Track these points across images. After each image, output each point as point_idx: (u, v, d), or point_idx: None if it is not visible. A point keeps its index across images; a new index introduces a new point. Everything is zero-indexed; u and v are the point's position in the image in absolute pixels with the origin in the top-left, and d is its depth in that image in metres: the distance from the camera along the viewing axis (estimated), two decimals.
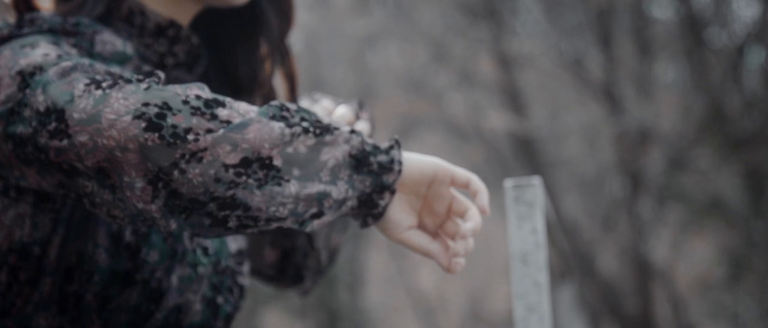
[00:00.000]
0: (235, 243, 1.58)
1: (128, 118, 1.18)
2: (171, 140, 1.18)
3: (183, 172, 1.18)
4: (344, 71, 10.20)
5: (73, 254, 1.40)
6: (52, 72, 1.27)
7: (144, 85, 1.22)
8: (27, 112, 1.27)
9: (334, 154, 1.25)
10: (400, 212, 1.32)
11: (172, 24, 1.51)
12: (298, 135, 1.23)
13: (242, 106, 1.23)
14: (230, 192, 1.19)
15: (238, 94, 1.61)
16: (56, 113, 1.23)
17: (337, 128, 1.26)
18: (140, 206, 1.20)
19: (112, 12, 1.49)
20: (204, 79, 1.59)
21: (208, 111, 1.20)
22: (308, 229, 1.26)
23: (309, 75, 9.30)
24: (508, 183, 1.52)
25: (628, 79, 7.72)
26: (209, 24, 1.61)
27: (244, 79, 1.60)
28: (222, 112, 1.20)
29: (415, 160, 1.32)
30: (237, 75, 1.60)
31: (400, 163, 1.29)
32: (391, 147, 1.29)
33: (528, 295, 1.49)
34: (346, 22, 9.54)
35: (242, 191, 1.20)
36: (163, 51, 1.51)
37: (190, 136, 1.18)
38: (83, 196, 1.26)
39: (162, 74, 1.28)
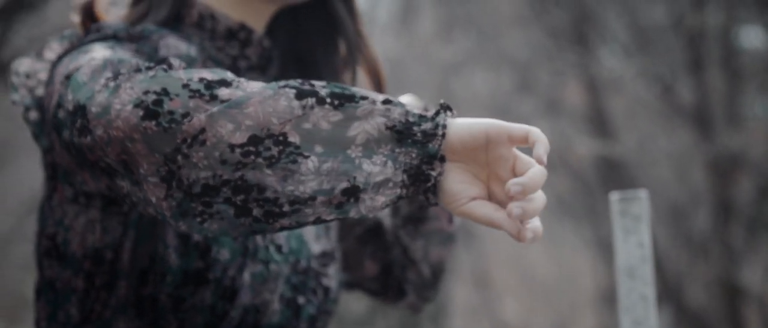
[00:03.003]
0: (318, 244, 1.56)
1: (130, 107, 1.16)
2: (167, 125, 1.14)
3: (187, 157, 1.14)
4: (429, 98, 10.20)
5: (145, 256, 1.40)
6: (81, 72, 1.27)
7: (151, 73, 1.19)
8: (62, 114, 1.27)
9: (364, 128, 1.15)
10: (458, 182, 1.19)
11: (243, 27, 1.51)
12: (312, 107, 1.15)
13: (252, 84, 1.17)
14: (238, 173, 1.13)
15: None
16: (80, 110, 1.22)
17: (365, 98, 1.16)
18: (154, 201, 1.18)
19: (182, 18, 1.50)
20: (280, 80, 1.57)
21: (208, 92, 1.15)
22: (354, 214, 1.16)
23: None
24: (614, 196, 1.49)
25: (719, 105, 7.63)
26: (287, 26, 1.60)
27: (326, 78, 1.59)
28: (223, 92, 1.15)
29: (464, 124, 1.18)
30: (319, 75, 1.58)
31: (444, 126, 1.17)
32: (437, 113, 1.18)
33: (635, 309, 1.47)
34: (431, 49, 9.56)
35: (251, 171, 1.13)
36: (235, 54, 1.51)
37: (186, 119, 1.14)
38: (125, 197, 1.24)
39: (176, 61, 1.24)
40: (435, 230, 1.69)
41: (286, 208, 1.15)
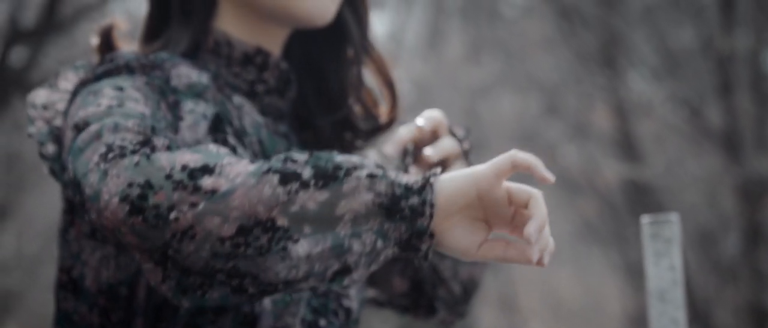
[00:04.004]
0: None
1: (116, 200, 1.18)
2: (154, 222, 1.16)
3: (178, 250, 1.16)
4: (456, 121, 10.19)
5: (160, 293, 1.39)
6: (80, 139, 1.27)
7: (135, 159, 1.20)
8: (66, 177, 1.29)
9: (351, 206, 1.16)
10: (462, 237, 1.19)
11: (260, 51, 1.50)
12: (297, 192, 1.16)
13: (235, 169, 1.17)
14: (230, 264, 1.16)
15: (331, 109, 1.58)
16: (78, 186, 1.24)
17: (350, 172, 1.17)
18: (152, 283, 1.20)
19: (199, 46, 1.49)
20: (298, 102, 1.57)
21: (191, 183, 1.16)
22: (346, 283, 1.19)
23: None
24: (645, 219, 1.48)
25: (748, 129, 7.59)
26: (302, 46, 1.59)
27: (332, 92, 1.58)
28: (206, 182, 1.16)
29: (452, 186, 1.18)
30: (327, 89, 1.58)
31: (431, 205, 1.17)
32: (423, 186, 1.17)
33: None
34: (458, 72, 9.56)
35: (243, 261, 1.16)
36: (252, 79, 1.50)
37: (173, 215, 1.16)
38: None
39: (160, 141, 1.25)
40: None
41: (280, 287, 1.18)
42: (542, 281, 12.47)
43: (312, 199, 1.16)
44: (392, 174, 1.18)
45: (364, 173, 1.17)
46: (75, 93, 1.41)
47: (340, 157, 1.18)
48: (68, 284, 1.45)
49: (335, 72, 1.57)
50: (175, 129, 1.37)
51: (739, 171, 7.31)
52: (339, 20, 1.55)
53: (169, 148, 1.24)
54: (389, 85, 1.59)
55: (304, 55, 1.59)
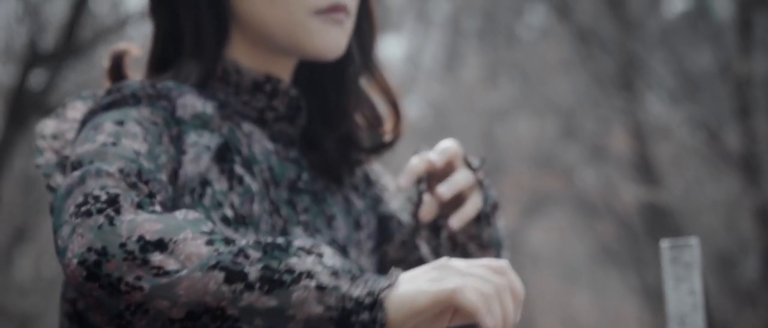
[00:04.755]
0: None
1: (75, 262, 1.18)
2: (109, 290, 1.17)
3: (131, 323, 1.17)
4: (473, 145, 10.19)
5: None
6: (66, 183, 1.27)
7: (100, 221, 1.20)
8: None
9: (301, 315, 1.15)
10: None
11: (269, 79, 1.49)
12: (242, 292, 1.15)
13: (187, 249, 1.17)
14: None
15: (333, 127, 1.57)
16: (54, 234, 1.25)
17: (299, 280, 1.15)
18: None
19: (208, 74, 1.49)
20: (308, 128, 1.56)
21: (141, 256, 1.16)
22: None
23: None
24: (665, 244, 1.47)
25: (766, 152, 7.57)
26: (308, 68, 1.59)
27: (333, 109, 1.57)
28: (155, 259, 1.16)
29: (405, 308, 1.16)
30: (328, 107, 1.57)
31: (382, 324, 1.15)
32: (374, 303, 1.15)
33: None
34: (475, 95, 9.56)
35: None
36: (261, 106, 1.49)
37: (123, 287, 1.16)
38: None
39: (128, 201, 1.24)
40: None
41: None
42: (560, 304, 12.43)
43: (259, 301, 1.15)
44: (344, 285, 1.16)
45: (313, 283, 1.15)
46: (83, 122, 1.41)
47: (293, 260, 1.16)
48: (74, 316, 1.45)
49: (336, 91, 1.57)
50: (178, 162, 1.37)
51: (758, 194, 7.28)
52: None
53: (139, 206, 1.23)
54: (393, 104, 1.58)
55: (307, 76, 1.58)
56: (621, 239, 8.95)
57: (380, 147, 1.59)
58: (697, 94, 7.99)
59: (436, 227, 1.56)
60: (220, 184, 1.39)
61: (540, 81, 8.70)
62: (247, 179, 1.41)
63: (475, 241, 1.56)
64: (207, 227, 1.20)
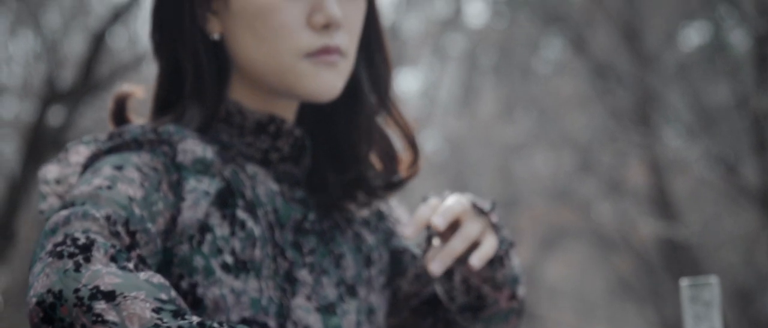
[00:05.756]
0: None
1: (34, 301, 1.19)
2: None
3: None
4: (490, 179, 10.18)
5: None
6: (51, 222, 1.28)
7: (69, 265, 1.21)
8: None
9: None
10: None
11: (273, 119, 1.49)
12: None
13: (131, 308, 1.17)
14: None
15: (342, 170, 1.56)
16: (29, 269, 1.26)
17: None
18: None
19: (211, 116, 1.48)
20: (314, 169, 1.55)
21: (88, 303, 1.17)
22: None
23: (455, 183, 9.31)
24: (684, 282, 1.46)
25: None
26: (317, 110, 1.58)
27: (343, 153, 1.56)
28: (98, 307, 1.17)
29: None
30: (338, 150, 1.56)
31: None
32: None
33: None
34: (492, 130, 9.56)
35: None
36: (265, 147, 1.49)
37: None
38: None
39: (101, 251, 1.24)
40: (494, 313, 1.65)
41: None
42: None
43: None
44: None
45: None
46: (85, 166, 1.42)
47: None
48: None
49: (346, 130, 1.55)
50: (177, 209, 1.36)
51: None
52: (353, 81, 1.54)
53: (112, 258, 1.23)
54: (410, 141, 1.57)
55: (315, 115, 1.58)
56: (638, 273, 8.91)
57: (392, 186, 1.58)
58: (714, 128, 7.97)
59: (448, 271, 1.55)
60: (221, 229, 1.39)
61: (556, 115, 8.70)
62: (250, 223, 1.41)
63: (489, 283, 1.54)
64: (165, 294, 1.20)
